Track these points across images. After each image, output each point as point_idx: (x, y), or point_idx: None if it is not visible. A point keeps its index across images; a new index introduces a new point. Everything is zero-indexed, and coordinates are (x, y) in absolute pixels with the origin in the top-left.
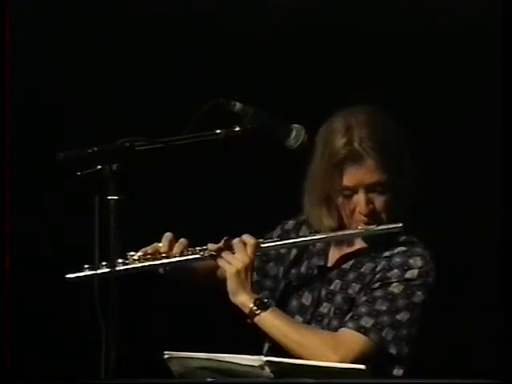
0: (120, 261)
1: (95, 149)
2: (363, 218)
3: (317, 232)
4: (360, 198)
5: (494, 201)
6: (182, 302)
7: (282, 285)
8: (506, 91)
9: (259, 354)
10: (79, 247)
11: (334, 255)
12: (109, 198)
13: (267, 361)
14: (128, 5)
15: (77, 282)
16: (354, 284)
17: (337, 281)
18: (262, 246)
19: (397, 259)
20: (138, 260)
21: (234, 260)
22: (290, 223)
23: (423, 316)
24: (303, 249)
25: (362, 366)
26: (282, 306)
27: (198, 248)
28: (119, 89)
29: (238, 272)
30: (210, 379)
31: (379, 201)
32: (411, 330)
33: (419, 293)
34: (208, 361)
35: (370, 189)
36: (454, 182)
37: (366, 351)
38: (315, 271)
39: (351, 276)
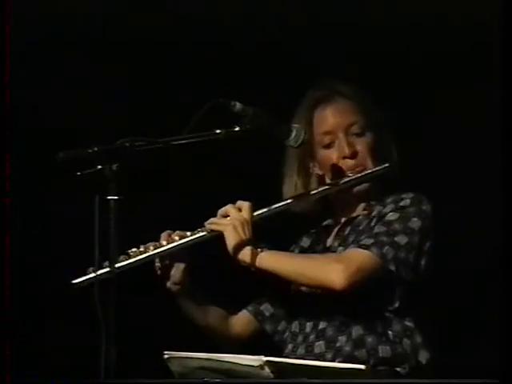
0: (122, 257)
1: (95, 149)
2: (349, 163)
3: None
4: (340, 141)
5: (494, 201)
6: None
7: None
8: (506, 91)
9: (259, 354)
10: (79, 247)
11: (332, 232)
12: (109, 198)
13: (267, 361)
14: (128, 5)
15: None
16: (363, 235)
17: (339, 248)
18: (256, 213)
19: (389, 199)
20: (139, 253)
21: (229, 220)
22: (305, 240)
23: (422, 244)
24: (312, 241)
25: (362, 366)
26: None
27: (198, 229)
28: (119, 89)
29: (235, 228)
30: (207, 379)
31: (360, 143)
32: (410, 256)
33: (415, 219)
34: (208, 361)
35: (348, 132)
36: (454, 182)
37: (369, 262)
38: (320, 251)
39: (351, 238)
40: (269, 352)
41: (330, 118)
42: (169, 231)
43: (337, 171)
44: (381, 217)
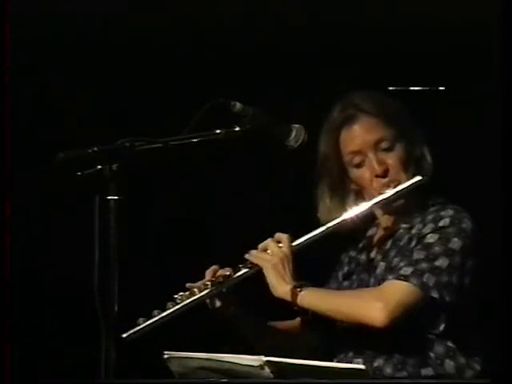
0: (169, 304)
1: (95, 149)
2: (381, 181)
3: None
4: (371, 160)
5: (494, 200)
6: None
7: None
8: (506, 91)
9: (259, 354)
10: (79, 247)
11: (376, 243)
12: (109, 198)
13: (267, 361)
14: (128, 5)
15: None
16: (396, 259)
17: (381, 263)
18: (296, 243)
19: (429, 216)
20: (186, 298)
21: (269, 256)
22: (352, 250)
23: (464, 264)
24: (358, 250)
25: (362, 366)
26: None
27: (239, 265)
28: (119, 89)
29: (274, 266)
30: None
31: (391, 159)
32: (452, 278)
33: (455, 239)
34: (208, 361)
35: (377, 148)
36: (454, 182)
37: (409, 296)
38: (362, 266)
39: (392, 253)
40: (269, 352)
41: (356, 137)
42: (215, 267)
43: (371, 189)
44: (420, 238)
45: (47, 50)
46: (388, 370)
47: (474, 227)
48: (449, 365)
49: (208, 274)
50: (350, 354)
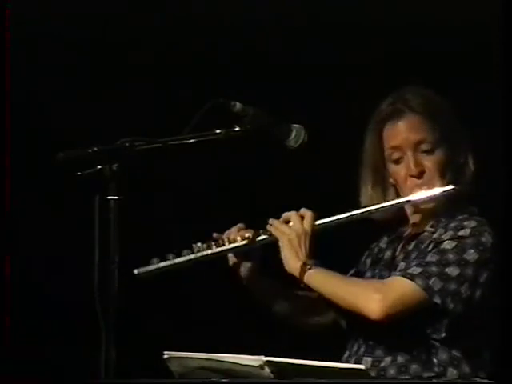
0: (185, 251)
1: (95, 149)
2: (415, 181)
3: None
4: (408, 159)
5: (495, 201)
6: (182, 302)
7: None
8: (506, 91)
9: (259, 354)
10: (79, 247)
11: (402, 242)
12: (109, 198)
13: (267, 361)
14: (128, 5)
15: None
16: (415, 261)
17: (401, 263)
18: (319, 222)
19: (452, 224)
20: (203, 249)
21: (288, 229)
22: (383, 242)
23: (477, 277)
24: (380, 249)
25: (362, 366)
26: None
27: (260, 231)
28: (119, 89)
29: (291, 240)
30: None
31: (429, 161)
32: (461, 288)
33: (471, 251)
34: (208, 361)
35: (417, 148)
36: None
37: (410, 294)
38: (385, 263)
39: (413, 255)
40: (269, 352)
41: (399, 133)
42: (240, 226)
43: (404, 187)
44: (438, 243)
45: (47, 50)
46: (391, 372)
47: (494, 242)
48: (452, 373)
49: (233, 230)
50: (361, 351)
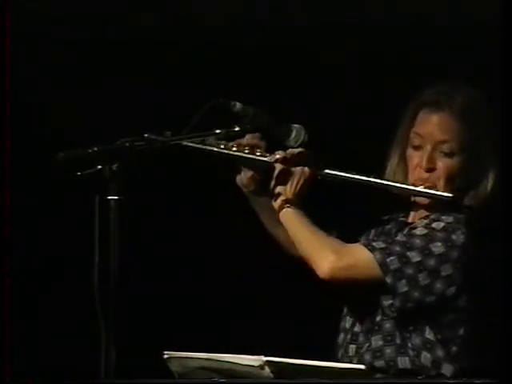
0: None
1: (95, 149)
2: (422, 174)
3: None
4: (425, 152)
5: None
6: (182, 302)
7: None
8: (506, 91)
9: (259, 354)
10: (79, 247)
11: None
12: (109, 198)
13: (267, 361)
14: (128, 5)
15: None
16: (384, 237)
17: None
18: (323, 171)
19: (432, 215)
20: (207, 143)
21: (291, 165)
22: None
23: (438, 269)
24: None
25: (362, 366)
26: None
27: (268, 154)
28: (119, 89)
29: (286, 172)
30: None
31: (443, 163)
32: (417, 274)
33: (439, 244)
34: (208, 361)
35: (437, 147)
36: None
37: (363, 264)
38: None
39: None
40: (269, 352)
41: (428, 125)
42: (254, 135)
43: (412, 174)
44: (412, 228)
45: (47, 50)
46: (367, 357)
47: (465, 242)
48: (425, 357)
49: (247, 137)
50: (348, 338)
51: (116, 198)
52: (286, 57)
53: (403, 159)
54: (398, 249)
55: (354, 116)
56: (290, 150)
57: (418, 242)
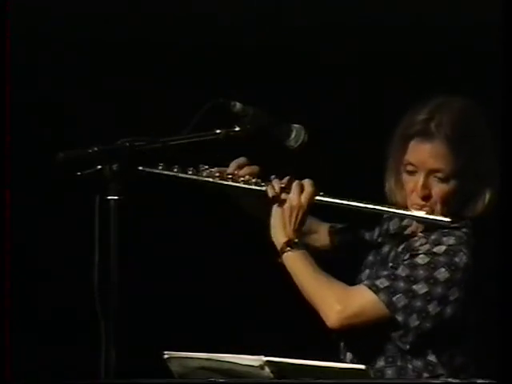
0: (192, 169)
1: (95, 149)
2: (418, 200)
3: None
4: (419, 179)
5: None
6: (182, 302)
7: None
8: (506, 91)
9: (259, 354)
10: (79, 247)
11: (399, 240)
12: (109, 198)
13: (267, 361)
14: (128, 5)
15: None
16: (387, 271)
17: (390, 264)
18: (318, 198)
19: (433, 236)
20: (198, 173)
21: (283, 197)
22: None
23: (446, 295)
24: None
25: (362, 366)
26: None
27: (262, 182)
28: (119, 89)
29: (283, 210)
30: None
31: (438, 188)
32: (427, 306)
33: (443, 269)
34: (208, 361)
35: (430, 173)
36: None
37: (370, 308)
38: (382, 259)
39: (402, 256)
40: (269, 352)
41: (420, 155)
42: (241, 160)
43: (409, 197)
44: (413, 255)
45: (47, 50)
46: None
47: (468, 262)
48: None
49: (232, 164)
50: (348, 357)
51: (116, 197)
52: (286, 57)
53: (399, 183)
54: (402, 285)
55: (353, 116)
56: (285, 179)
57: (421, 272)
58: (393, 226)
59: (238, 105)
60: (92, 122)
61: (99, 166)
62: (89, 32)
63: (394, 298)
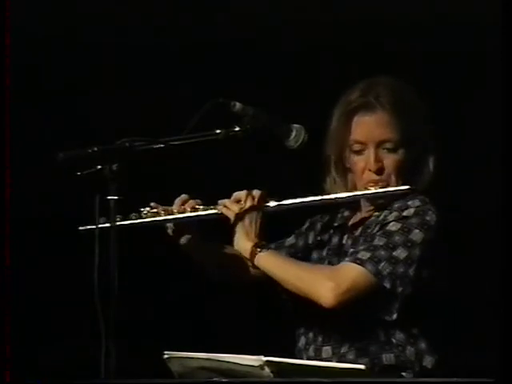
0: (133, 215)
1: (95, 149)
2: (372, 176)
3: None
4: (369, 153)
5: (495, 201)
6: (182, 302)
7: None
8: (506, 92)
9: (259, 354)
10: (79, 247)
11: (349, 228)
12: (109, 198)
13: (267, 361)
14: (128, 5)
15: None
16: (363, 245)
17: (350, 249)
18: (267, 204)
19: (396, 204)
20: (147, 215)
21: (238, 208)
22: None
23: (423, 257)
24: (326, 229)
25: (362, 366)
26: None
27: (212, 206)
28: (119, 89)
29: (241, 219)
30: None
31: (389, 159)
32: (409, 270)
33: (417, 231)
34: (208, 361)
35: (380, 145)
36: (454, 182)
37: (362, 280)
38: (333, 250)
39: (361, 240)
40: (269, 352)
41: (366, 129)
42: (183, 197)
43: (361, 180)
44: (383, 224)
45: (47, 50)
46: (351, 357)
47: (438, 220)
48: (409, 351)
49: (177, 201)
50: (319, 340)
51: (116, 198)
52: (286, 57)
53: (341, 169)
54: (383, 253)
55: None
56: (234, 195)
57: (397, 238)
58: (332, 220)
59: (238, 105)
60: (92, 121)
61: (99, 166)
62: (89, 32)
63: (380, 267)
